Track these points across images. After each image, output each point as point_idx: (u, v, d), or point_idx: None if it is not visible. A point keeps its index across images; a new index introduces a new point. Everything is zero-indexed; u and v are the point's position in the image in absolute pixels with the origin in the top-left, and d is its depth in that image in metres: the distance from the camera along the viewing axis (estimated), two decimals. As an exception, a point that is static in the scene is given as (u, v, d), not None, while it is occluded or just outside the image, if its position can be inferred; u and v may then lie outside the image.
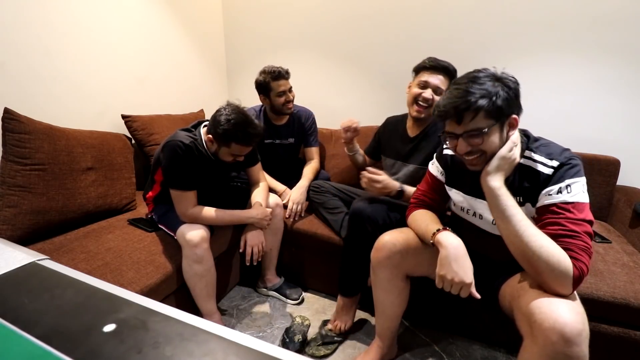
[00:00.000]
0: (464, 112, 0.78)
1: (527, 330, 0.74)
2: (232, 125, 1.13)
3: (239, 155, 1.23)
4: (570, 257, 0.72)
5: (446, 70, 1.25)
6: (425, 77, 1.26)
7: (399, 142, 1.44)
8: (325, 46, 2.12)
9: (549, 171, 0.80)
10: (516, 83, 0.81)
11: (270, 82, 1.57)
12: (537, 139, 0.88)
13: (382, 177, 1.19)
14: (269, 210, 1.36)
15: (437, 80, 1.24)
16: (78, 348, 0.47)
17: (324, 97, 2.16)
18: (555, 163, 0.80)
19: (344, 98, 2.14)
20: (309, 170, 1.69)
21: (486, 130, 0.78)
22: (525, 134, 0.89)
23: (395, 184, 1.22)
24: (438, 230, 0.90)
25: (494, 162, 0.81)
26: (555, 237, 0.75)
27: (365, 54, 2.02)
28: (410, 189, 1.22)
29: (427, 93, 1.25)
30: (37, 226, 1.17)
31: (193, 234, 1.16)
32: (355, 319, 1.38)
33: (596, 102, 1.60)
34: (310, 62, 2.17)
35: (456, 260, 0.83)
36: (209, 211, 1.23)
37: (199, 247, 1.16)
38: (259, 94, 1.64)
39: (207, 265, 1.20)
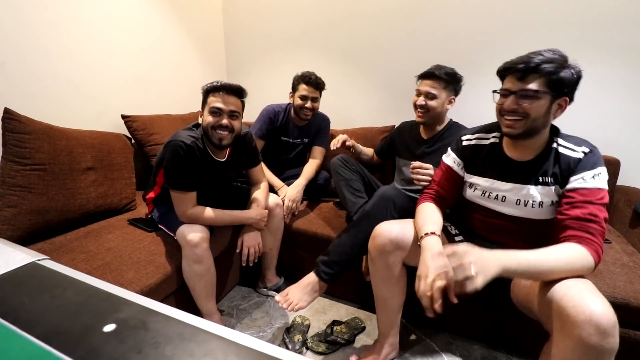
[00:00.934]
0: (531, 70, 0.84)
1: (557, 324, 0.73)
2: (207, 84, 1.20)
3: (217, 110, 1.17)
4: (588, 241, 0.80)
5: (431, 75, 1.33)
6: (419, 85, 1.38)
7: (414, 144, 1.50)
8: (326, 46, 2.12)
9: (579, 155, 0.87)
10: (580, 73, 0.86)
11: (300, 82, 1.64)
12: (565, 134, 0.95)
13: (430, 168, 1.21)
14: (266, 211, 1.37)
15: (426, 86, 1.34)
16: (78, 348, 0.47)
17: (324, 97, 2.16)
18: (585, 149, 0.88)
19: (344, 98, 2.14)
20: (308, 169, 1.69)
21: (540, 95, 0.84)
22: (552, 126, 0.95)
23: None
24: (426, 234, 0.93)
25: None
26: (580, 219, 0.82)
27: (366, 54, 2.03)
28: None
29: (420, 100, 1.35)
30: (37, 226, 1.17)
31: (193, 235, 1.15)
32: (349, 319, 1.38)
33: (596, 102, 1.60)
34: (310, 62, 2.17)
35: (433, 260, 0.86)
36: (208, 212, 1.23)
37: (199, 247, 1.16)
38: (291, 89, 1.72)
39: (207, 265, 1.20)
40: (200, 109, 1.23)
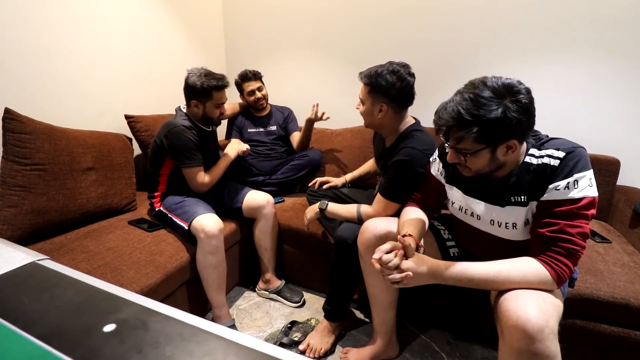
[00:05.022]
0: (451, 134, 0.79)
1: (499, 329, 0.75)
2: (205, 78, 1.32)
3: (221, 104, 1.40)
4: (549, 260, 0.75)
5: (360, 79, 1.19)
6: None
7: (381, 151, 1.35)
8: (326, 46, 2.12)
9: (555, 162, 0.78)
10: (528, 101, 0.73)
11: (242, 83, 1.82)
12: (548, 139, 0.85)
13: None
14: (236, 140, 1.58)
15: (360, 93, 1.21)
16: (78, 348, 0.47)
17: (325, 97, 2.15)
18: (561, 154, 0.78)
19: (345, 98, 2.14)
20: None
21: (471, 152, 0.79)
22: (535, 134, 0.87)
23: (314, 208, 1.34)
24: (403, 236, 0.90)
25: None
26: (549, 239, 0.77)
27: (366, 55, 2.02)
28: (332, 208, 1.30)
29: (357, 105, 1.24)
30: (37, 226, 1.17)
31: (211, 226, 1.21)
32: (305, 320, 1.38)
33: (596, 102, 1.60)
34: (311, 63, 2.17)
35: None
36: (212, 171, 1.41)
37: (216, 238, 1.21)
38: (239, 93, 1.89)
39: (221, 256, 1.25)
40: (194, 101, 1.37)
